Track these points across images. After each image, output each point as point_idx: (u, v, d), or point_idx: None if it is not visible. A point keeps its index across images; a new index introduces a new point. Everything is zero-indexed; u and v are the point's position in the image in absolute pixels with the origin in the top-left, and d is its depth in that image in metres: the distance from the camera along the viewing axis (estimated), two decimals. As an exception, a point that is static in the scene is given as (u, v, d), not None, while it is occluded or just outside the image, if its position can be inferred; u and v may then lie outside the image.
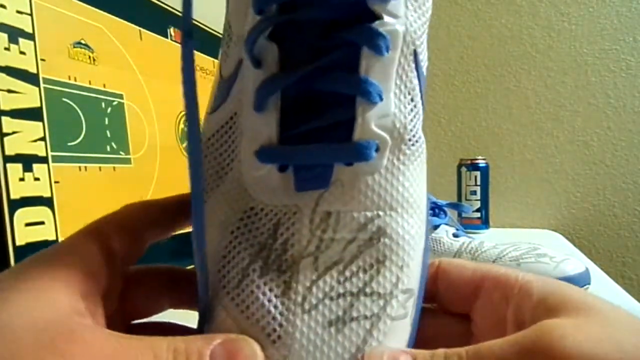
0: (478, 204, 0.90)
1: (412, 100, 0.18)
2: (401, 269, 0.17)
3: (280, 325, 0.15)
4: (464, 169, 0.91)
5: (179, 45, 0.58)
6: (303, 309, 0.15)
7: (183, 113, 0.53)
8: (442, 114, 1.09)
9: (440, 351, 0.15)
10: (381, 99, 0.17)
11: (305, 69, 0.16)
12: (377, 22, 0.16)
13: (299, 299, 0.16)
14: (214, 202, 0.18)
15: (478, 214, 0.90)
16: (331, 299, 0.16)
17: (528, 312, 0.16)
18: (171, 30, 0.53)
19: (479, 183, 0.90)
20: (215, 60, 0.61)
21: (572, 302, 0.15)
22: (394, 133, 0.17)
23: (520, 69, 1.04)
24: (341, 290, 0.16)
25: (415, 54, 0.17)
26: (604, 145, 1.00)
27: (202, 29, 0.59)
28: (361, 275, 0.16)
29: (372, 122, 0.17)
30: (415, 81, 0.18)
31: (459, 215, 0.91)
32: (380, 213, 0.17)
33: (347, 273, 0.16)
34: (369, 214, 0.17)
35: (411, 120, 0.18)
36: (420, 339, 0.18)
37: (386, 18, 0.16)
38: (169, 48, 0.52)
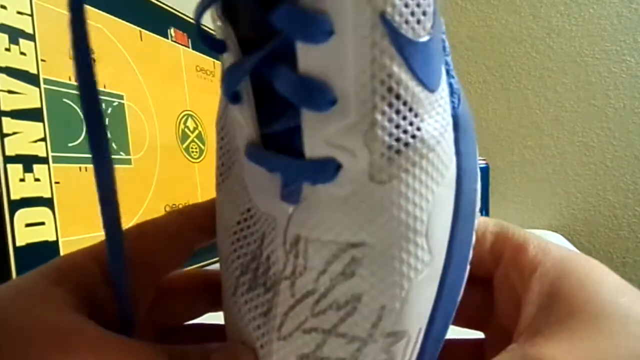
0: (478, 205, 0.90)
1: (389, 90, 0.12)
2: (382, 310, 0.13)
3: (262, 346, 0.15)
4: (464, 170, 0.91)
5: (180, 46, 0.58)
6: (279, 336, 0.14)
7: (184, 113, 0.53)
8: (442, 114, 1.09)
9: None
10: (333, 104, 0.12)
11: (255, 57, 0.13)
12: None
13: (277, 324, 0.14)
14: (222, 197, 0.17)
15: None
16: (304, 331, 0.14)
17: (533, 303, 0.14)
18: (172, 31, 0.53)
19: (479, 183, 0.90)
20: (216, 61, 0.61)
21: (580, 316, 0.13)
22: (359, 143, 0.12)
23: (521, 69, 1.04)
24: (313, 325, 0.14)
25: (384, 19, 0.11)
26: (604, 145, 1.00)
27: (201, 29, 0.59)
28: (334, 312, 0.14)
29: (322, 135, 0.12)
30: (391, 61, 0.12)
31: (459, 215, 0.91)
32: (355, 242, 0.13)
33: (320, 306, 0.14)
34: (339, 244, 0.13)
35: (390, 119, 0.12)
36: None
37: None
38: (170, 49, 0.52)
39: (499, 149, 1.06)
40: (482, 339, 0.19)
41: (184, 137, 0.53)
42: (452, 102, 0.15)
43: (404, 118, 0.13)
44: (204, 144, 0.56)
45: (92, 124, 0.13)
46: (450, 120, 0.14)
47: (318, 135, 0.12)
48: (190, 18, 0.56)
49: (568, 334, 0.13)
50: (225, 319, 0.17)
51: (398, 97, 0.12)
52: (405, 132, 0.13)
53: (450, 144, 0.14)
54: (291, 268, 0.14)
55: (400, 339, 0.14)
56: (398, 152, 0.13)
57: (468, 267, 0.16)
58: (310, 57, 0.12)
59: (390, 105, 0.12)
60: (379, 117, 0.12)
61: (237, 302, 0.16)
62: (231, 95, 0.14)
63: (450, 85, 0.15)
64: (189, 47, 0.55)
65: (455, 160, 0.15)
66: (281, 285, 0.14)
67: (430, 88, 0.13)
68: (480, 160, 0.71)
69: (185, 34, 0.55)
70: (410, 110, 0.13)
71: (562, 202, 1.03)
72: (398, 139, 0.13)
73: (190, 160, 0.53)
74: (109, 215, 0.14)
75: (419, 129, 0.13)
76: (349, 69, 0.12)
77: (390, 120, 0.12)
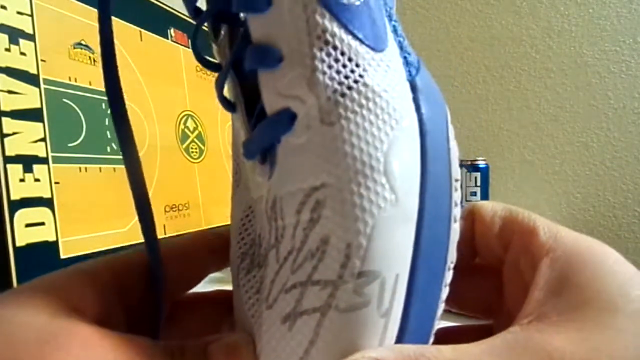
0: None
1: (326, 43, 0.14)
2: (348, 248, 0.14)
3: (255, 322, 0.16)
4: (464, 170, 0.91)
5: (180, 46, 0.58)
6: (267, 305, 0.15)
7: (184, 114, 0.53)
8: (442, 114, 1.09)
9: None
10: (280, 61, 0.14)
11: (233, 51, 0.16)
12: None
13: (265, 294, 0.15)
14: (233, 206, 0.19)
15: (478, 215, 0.90)
16: (285, 292, 0.14)
17: (542, 288, 0.14)
18: (171, 31, 0.53)
19: (479, 184, 0.90)
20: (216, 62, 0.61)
21: (590, 307, 0.13)
22: (304, 89, 0.14)
23: (520, 70, 1.04)
24: (292, 282, 0.14)
25: None
26: (604, 146, 1.00)
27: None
28: (308, 262, 0.14)
29: (275, 89, 0.15)
30: (323, 18, 0.14)
31: (459, 216, 0.91)
32: (317, 184, 0.14)
33: (298, 261, 0.14)
34: (304, 190, 0.14)
35: (330, 66, 0.14)
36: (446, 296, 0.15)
37: None
38: (169, 49, 0.52)
39: (499, 149, 1.06)
40: (489, 324, 0.19)
41: (184, 137, 0.53)
42: (408, 71, 0.16)
43: (344, 66, 0.14)
44: (203, 144, 0.56)
45: (123, 138, 0.16)
46: (404, 83, 0.16)
47: (272, 90, 0.15)
48: (191, 18, 0.56)
49: (577, 325, 0.13)
50: (235, 316, 0.17)
51: (335, 47, 0.14)
52: (346, 77, 0.14)
53: (405, 98, 0.15)
54: (274, 234, 0.15)
55: (373, 280, 0.14)
56: (343, 95, 0.14)
57: (454, 225, 0.16)
58: (257, 27, 0.15)
59: (328, 54, 0.14)
60: (318, 64, 0.14)
61: (240, 292, 0.17)
62: (227, 103, 0.17)
63: (405, 58, 0.17)
64: (188, 47, 0.55)
65: (416, 115, 0.15)
66: (269, 257, 0.15)
67: (371, 46, 0.15)
68: (480, 160, 0.71)
69: (185, 34, 0.55)
70: (350, 60, 0.14)
71: (562, 202, 1.03)
72: (340, 83, 0.14)
73: (190, 161, 0.53)
74: (146, 225, 0.16)
75: (361, 76, 0.14)
76: (289, 30, 0.14)
77: (329, 66, 0.14)
